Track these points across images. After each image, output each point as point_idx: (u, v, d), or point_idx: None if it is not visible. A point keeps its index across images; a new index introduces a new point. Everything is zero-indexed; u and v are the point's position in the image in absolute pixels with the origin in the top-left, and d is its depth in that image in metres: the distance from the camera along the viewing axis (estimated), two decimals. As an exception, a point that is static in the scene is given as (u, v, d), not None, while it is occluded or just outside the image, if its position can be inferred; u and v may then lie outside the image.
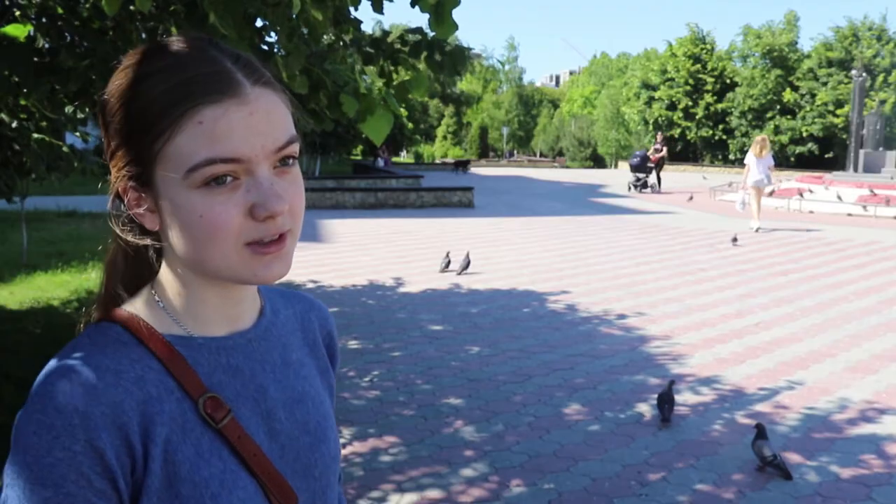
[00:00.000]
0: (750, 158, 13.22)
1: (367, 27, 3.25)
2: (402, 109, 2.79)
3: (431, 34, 2.81)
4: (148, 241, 0.85)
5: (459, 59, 3.00)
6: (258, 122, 0.77)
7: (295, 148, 0.80)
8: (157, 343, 0.81)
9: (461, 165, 35.49)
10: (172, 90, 0.76)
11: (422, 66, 3.03)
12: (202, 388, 0.81)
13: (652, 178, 22.84)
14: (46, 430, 0.73)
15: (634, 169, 22.95)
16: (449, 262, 9.19)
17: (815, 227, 14.31)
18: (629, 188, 22.89)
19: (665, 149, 24.31)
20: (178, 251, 0.80)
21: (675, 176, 31.68)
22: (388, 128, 2.53)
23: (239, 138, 0.75)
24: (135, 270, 0.88)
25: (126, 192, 0.81)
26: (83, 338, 0.81)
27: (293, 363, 0.92)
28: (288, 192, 0.79)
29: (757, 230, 13.18)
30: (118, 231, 0.87)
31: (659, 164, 23.26)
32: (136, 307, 0.84)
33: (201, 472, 0.78)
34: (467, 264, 8.98)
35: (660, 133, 27.06)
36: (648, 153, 23.49)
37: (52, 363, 0.78)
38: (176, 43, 0.80)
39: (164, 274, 0.85)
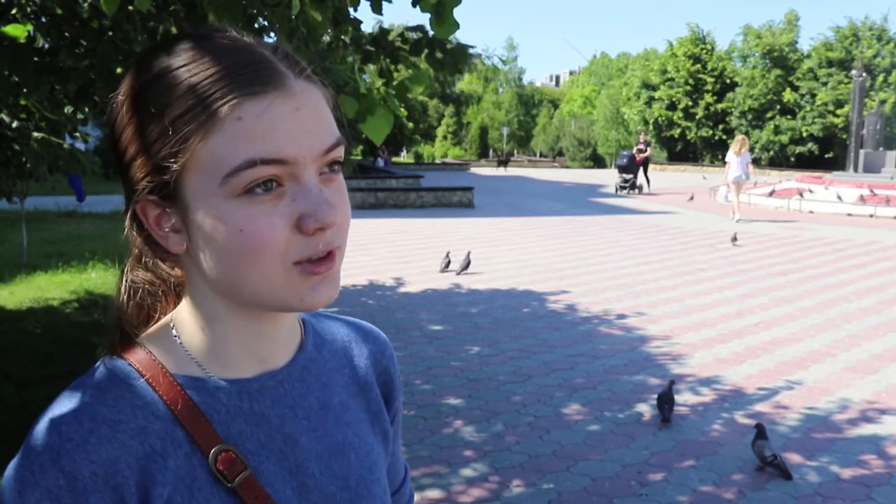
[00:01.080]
0: (730, 156, 15.00)
1: (367, 28, 3.23)
2: (402, 109, 2.78)
3: (432, 32, 2.81)
4: (167, 269, 0.76)
5: (461, 56, 3.00)
6: (305, 118, 0.67)
7: (341, 151, 0.70)
8: (167, 387, 0.70)
9: (503, 163, 38.06)
10: (205, 82, 0.65)
11: (423, 64, 3.02)
12: (216, 440, 0.70)
13: (640, 179, 22.27)
14: (31, 489, 0.64)
15: (622, 170, 22.34)
16: (449, 262, 9.19)
17: (815, 227, 14.31)
18: (617, 190, 22.31)
19: (650, 149, 23.44)
20: (211, 275, 0.69)
21: (675, 176, 31.70)
22: (388, 128, 2.52)
23: (285, 137, 0.65)
24: (154, 302, 0.78)
25: (146, 210, 0.69)
26: (88, 377, 0.71)
27: (334, 407, 0.80)
28: (336, 200, 0.68)
29: (737, 221, 14.48)
30: (135, 257, 0.77)
31: (644, 165, 22.62)
32: (151, 343, 0.74)
33: None
34: (467, 264, 8.98)
35: (643, 133, 25.42)
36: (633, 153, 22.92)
37: (49, 409, 0.68)
38: (204, 32, 0.69)
39: (187, 305, 0.74)
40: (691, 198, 19.28)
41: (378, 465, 0.82)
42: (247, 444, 0.72)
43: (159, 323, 0.76)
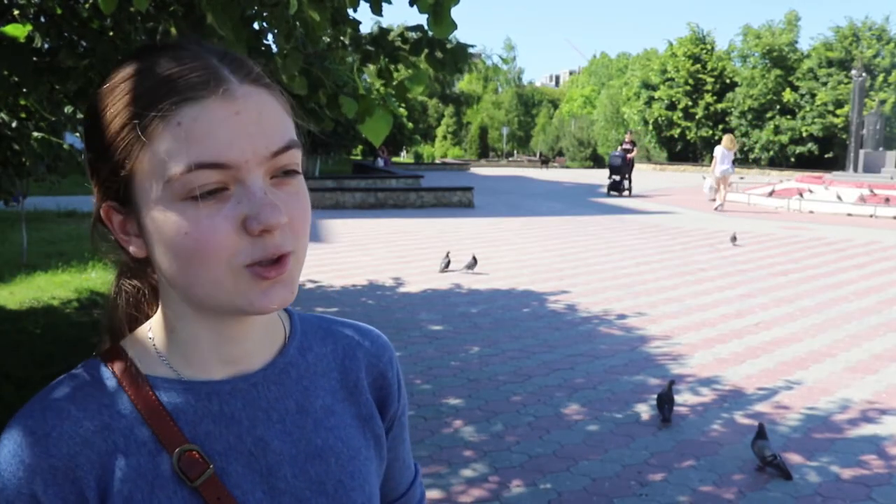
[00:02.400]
0: (719, 151, 17.07)
1: (366, 28, 3.23)
2: (401, 109, 2.78)
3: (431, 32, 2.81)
4: (151, 275, 0.78)
5: (461, 56, 2.98)
6: (247, 122, 0.66)
7: (295, 155, 0.69)
8: (135, 387, 0.72)
9: (545, 162, 39.84)
10: (146, 91, 0.67)
11: (422, 63, 3.02)
12: (181, 440, 0.71)
13: (627, 182, 21.02)
14: None
15: (615, 170, 20.94)
16: (449, 262, 9.19)
17: (815, 227, 14.31)
18: (609, 191, 21.12)
19: (635, 149, 21.89)
20: (168, 277, 0.71)
21: (676, 176, 31.70)
22: (387, 129, 2.52)
23: (224, 141, 0.65)
24: (140, 306, 0.80)
25: (110, 215, 0.72)
26: (67, 376, 0.73)
27: (315, 411, 0.79)
28: (287, 204, 0.68)
29: (716, 208, 17.01)
30: (124, 263, 0.79)
31: (629, 166, 21.16)
32: (129, 345, 0.76)
33: None
34: (474, 263, 9.00)
35: (629, 132, 23.48)
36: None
37: (25, 405, 0.71)
38: (158, 46, 0.71)
39: (161, 307, 0.76)
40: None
41: (363, 471, 0.80)
42: (214, 445, 0.72)
43: (141, 326, 0.78)
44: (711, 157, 39.00)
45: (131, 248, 0.72)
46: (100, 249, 0.78)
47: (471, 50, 3.01)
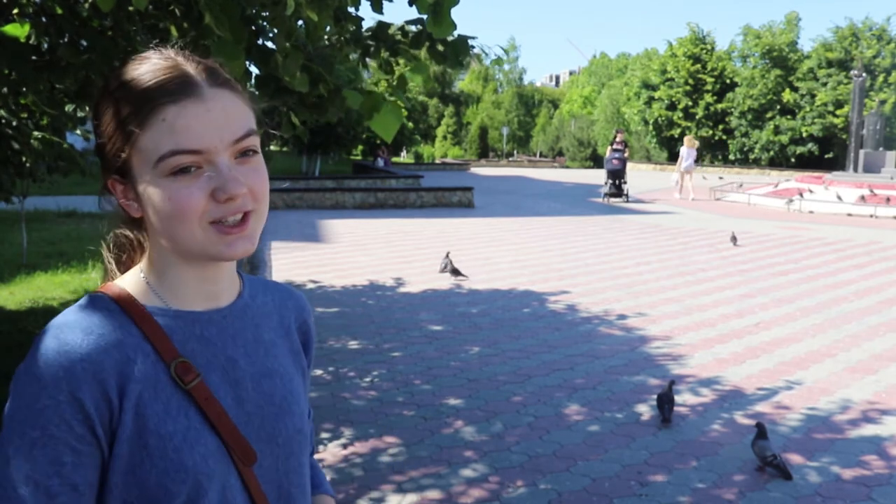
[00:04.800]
0: (683, 150, 20.41)
1: (366, 26, 3.20)
2: (402, 109, 2.77)
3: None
4: (131, 232, 1.00)
5: (462, 49, 2.96)
6: (215, 117, 0.89)
7: (253, 140, 0.92)
8: (137, 313, 0.93)
9: (617, 178, 31.91)
10: (142, 94, 0.89)
11: (423, 55, 2.99)
12: (175, 354, 0.92)
13: (626, 186, 19.56)
14: (37, 381, 0.86)
15: (614, 174, 19.33)
16: (449, 263, 9.18)
17: (815, 227, 14.31)
18: (606, 198, 19.43)
19: (627, 150, 20.37)
20: (157, 232, 0.93)
21: (675, 176, 31.63)
22: (397, 123, 2.51)
23: (198, 132, 0.88)
24: (127, 253, 1.01)
25: (114, 185, 0.94)
26: (77, 305, 0.93)
27: (265, 342, 1.02)
28: (249, 177, 0.91)
29: (685, 198, 19.77)
30: (110, 220, 1.01)
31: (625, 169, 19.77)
32: (125, 282, 0.97)
33: (167, 426, 0.89)
34: (446, 266, 8.87)
35: (619, 131, 21.63)
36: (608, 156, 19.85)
37: (50, 324, 0.90)
38: (148, 57, 0.93)
39: (150, 255, 0.98)
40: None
41: (298, 391, 1.04)
42: (197, 359, 0.94)
43: (132, 269, 0.99)
44: (711, 157, 39.13)
45: (131, 211, 0.95)
46: (105, 210, 0.99)
47: (471, 42, 2.98)
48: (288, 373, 1.04)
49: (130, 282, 0.97)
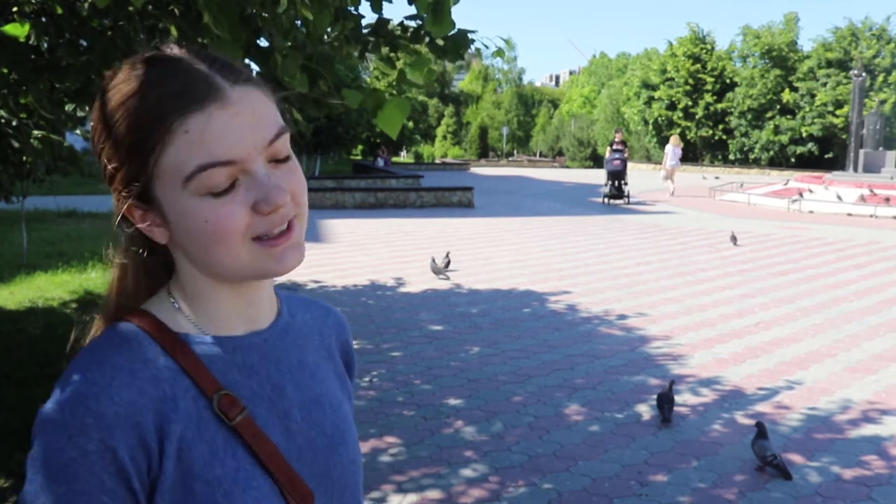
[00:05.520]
0: (668, 149, 21.63)
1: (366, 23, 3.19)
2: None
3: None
4: (154, 257, 0.88)
5: (462, 42, 2.94)
6: (244, 121, 0.77)
7: (285, 139, 0.81)
8: (171, 342, 0.81)
9: (617, 179, 27.63)
10: (154, 106, 0.76)
11: (423, 50, 2.98)
12: (216, 386, 0.81)
13: (627, 187, 18.86)
14: (62, 428, 0.74)
15: (615, 176, 18.59)
16: (448, 263, 9.19)
17: (815, 227, 14.31)
18: (606, 200, 18.77)
19: (627, 150, 19.62)
20: (192, 258, 0.82)
21: (675, 176, 31.61)
22: (402, 118, 2.48)
23: (228, 140, 0.76)
24: (148, 280, 0.89)
25: (132, 212, 0.82)
26: (101, 338, 0.82)
27: (309, 365, 0.92)
28: (288, 181, 0.80)
29: (672, 193, 20.85)
30: (126, 248, 0.88)
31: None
32: (152, 308, 0.85)
33: (214, 470, 0.78)
34: (444, 264, 8.98)
35: (618, 131, 20.86)
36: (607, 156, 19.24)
37: (73, 362, 0.79)
38: (149, 58, 0.80)
39: (179, 278, 0.86)
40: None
41: (348, 417, 0.94)
42: (241, 391, 0.83)
43: (157, 294, 0.87)
44: (711, 157, 39.12)
45: (154, 235, 0.83)
46: (120, 239, 0.88)
47: (471, 36, 2.96)
48: (336, 398, 0.93)
49: (158, 307, 0.85)
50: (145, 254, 0.88)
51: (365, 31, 3.03)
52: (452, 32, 2.88)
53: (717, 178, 27.73)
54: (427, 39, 2.93)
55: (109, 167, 0.81)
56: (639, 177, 28.29)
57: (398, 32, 2.99)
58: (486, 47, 3.12)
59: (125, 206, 0.82)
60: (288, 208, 0.80)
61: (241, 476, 0.79)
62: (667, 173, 21.80)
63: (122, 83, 0.79)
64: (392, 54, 3.02)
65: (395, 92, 2.66)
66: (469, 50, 3.02)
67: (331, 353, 0.98)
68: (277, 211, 0.78)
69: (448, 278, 8.78)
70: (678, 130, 38.16)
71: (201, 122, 0.76)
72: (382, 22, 3.02)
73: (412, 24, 2.98)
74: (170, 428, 0.77)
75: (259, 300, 0.88)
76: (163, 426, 0.77)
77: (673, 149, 21.38)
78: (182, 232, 0.80)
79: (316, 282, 8.47)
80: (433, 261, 8.95)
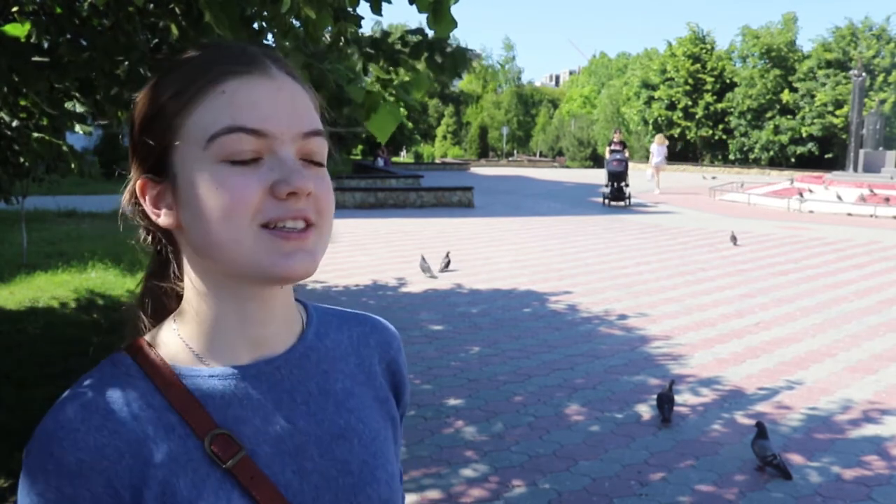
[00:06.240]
0: (654, 147, 22.60)
1: (367, 27, 3.20)
2: (402, 109, 2.76)
3: (431, 33, 2.80)
4: (175, 279, 0.82)
5: (460, 60, 2.97)
6: (285, 99, 0.74)
7: (322, 144, 0.76)
8: (162, 377, 0.75)
9: (618, 181, 23.39)
10: (194, 69, 0.74)
11: (422, 66, 3.00)
12: (210, 425, 0.74)
13: (628, 189, 18.30)
14: (28, 471, 0.71)
15: (616, 177, 18.08)
16: (448, 262, 9.19)
17: (815, 227, 14.31)
18: (607, 201, 18.24)
19: (626, 150, 18.86)
20: (194, 240, 0.74)
21: (676, 176, 31.67)
22: (394, 124, 2.49)
23: (265, 111, 0.72)
24: (161, 302, 0.83)
25: (144, 189, 0.77)
26: (94, 371, 0.77)
27: (335, 393, 0.83)
28: (316, 183, 0.74)
29: (658, 192, 21.42)
30: (153, 264, 0.84)
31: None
32: (154, 337, 0.80)
33: None
34: (444, 264, 9.05)
35: (617, 131, 20.45)
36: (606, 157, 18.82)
37: (57, 401, 0.74)
38: (211, 41, 0.81)
39: (186, 300, 0.80)
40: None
41: (384, 451, 0.84)
42: (242, 428, 0.75)
43: (165, 321, 0.81)
44: (711, 157, 39.15)
45: (161, 220, 0.76)
46: (130, 227, 0.83)
47: (471, 53, 3.00)
48: (370, 429, 0.83)
49: (159, 336, 0.80)
50: (158, 276, 0.83)
51: (365, 40, 3.04)
52: (451, 49, 2.89)
53: (713, 178, 27.77)
54: (426, 55, 2.94)
55: (135, 134, 0.77)
56: (638, 177, 28.30)
57: (398, 47, 3.00)
58: (483, 63, 3.15)
59: (140, 181, 0.77)
60: (307, 206, 0.73)
61: None
62: (653, 172, 22.57)
63: (178, 59, 0.78)
64: (391, 69, 3.03)
65: (389, 97, 2.67)
66: (466, 69, 3.05)
67: (371, 377, 0.88)
68: (297, 197, 0.72)
69: (436, 277, 8.79)
70: (678, 130, 38.23)
71: (240, 85, 0.72)
72: (385, 35, 3.04)
73: (413, 38, 3.00)
74: (149, 472, 0.71)
75: (267, 319, 0.79)
76: (141, 471, 0.71)
77: (658, 147, 22.37)
78: (189, 208, 0.73)
79: (316, 282, 8.47)
80: (423, 259, 8.97)
